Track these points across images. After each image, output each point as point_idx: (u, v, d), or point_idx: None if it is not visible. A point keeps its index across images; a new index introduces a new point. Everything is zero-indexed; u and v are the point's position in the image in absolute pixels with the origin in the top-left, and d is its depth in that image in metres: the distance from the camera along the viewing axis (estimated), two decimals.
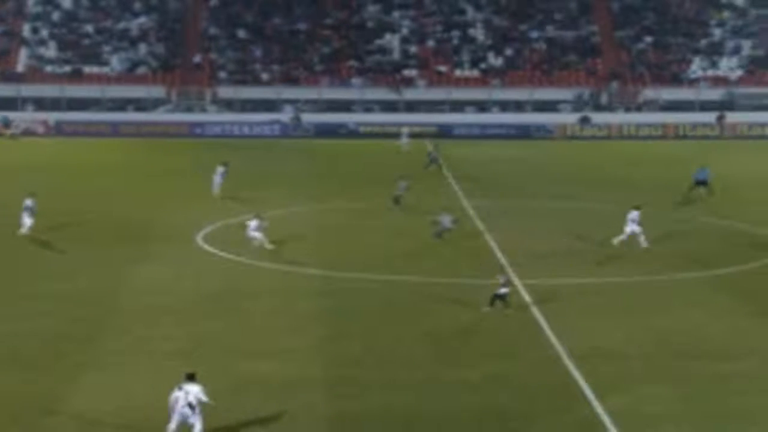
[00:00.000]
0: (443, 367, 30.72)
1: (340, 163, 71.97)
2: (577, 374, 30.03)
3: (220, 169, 56.81)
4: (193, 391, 24.79)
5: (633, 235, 45.05)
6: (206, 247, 45.45)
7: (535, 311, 36.08)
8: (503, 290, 35.74)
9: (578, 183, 63.81)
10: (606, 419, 26.80)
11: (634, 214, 45.38)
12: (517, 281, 39.85)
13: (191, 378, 25.23)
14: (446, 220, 46.48)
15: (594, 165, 72.82)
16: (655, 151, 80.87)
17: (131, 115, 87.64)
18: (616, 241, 45.08)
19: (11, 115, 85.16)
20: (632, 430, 26.08)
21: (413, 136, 79.85)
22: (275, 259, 42.87)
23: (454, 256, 44.29)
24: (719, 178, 60.89)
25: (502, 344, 32.77)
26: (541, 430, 26.17)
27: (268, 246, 44.12)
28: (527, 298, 37.74)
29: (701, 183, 56.68)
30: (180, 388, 24.88)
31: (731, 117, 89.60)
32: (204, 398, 24.76)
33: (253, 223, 44.72)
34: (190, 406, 24.57)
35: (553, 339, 33.01)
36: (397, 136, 79.48)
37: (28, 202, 46.86)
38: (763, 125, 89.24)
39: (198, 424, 24.67)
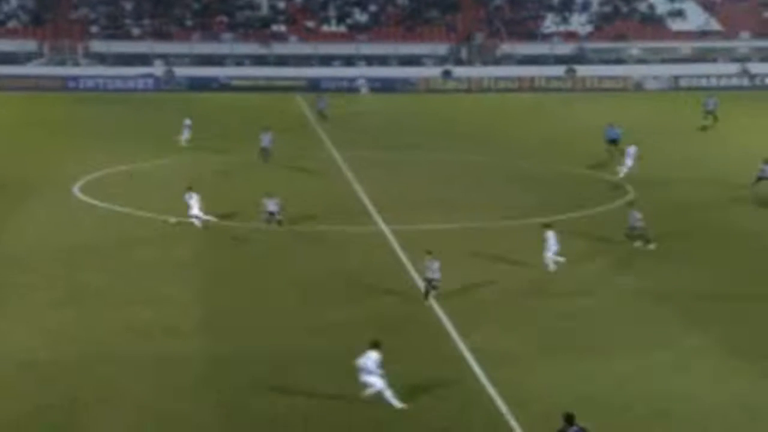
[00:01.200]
0: (311, 310, 31.06)
1: (212, 116, 71.41)
2: (439, 312, 30.70)
3: (187, 122, 57.29)
4: (372, 357, 24.27)
5: None
6: (83, 197, 44.89)
7: (400, 254, 36.60)
8: (434, 276, 31.45)
9: (439, 134, 64.52)
10: (467, 355, 27.50)
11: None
12: (383, 227, 40.37)
13: (376, 346, 24.46)
14: (271, 204, 40.67)
15: (454, 118, 73.61)
16: (512, 103, 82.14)
17: (3, 69, 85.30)
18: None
19: None
20: (490, 365, 26.81)
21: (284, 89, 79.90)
22: (150, 208, 42.55)
23: (322, 204, 44.54)
24: (570, 129, 62.15)
25: (368, 287, 33.22)
26: (406, 365, 26.69)
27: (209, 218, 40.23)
28: (393, 241, 38.27)
29: (613, 141, 55.77)
30: (364, 355, 24.39)
31: (581, 70, 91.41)
32: (377, 366, 24.23)
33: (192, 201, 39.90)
34: (369, 371, 24.20)
35: (418, 280, 33.58)
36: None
37: None
38: (611, 78, 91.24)
39: (379, 383, 24.23)
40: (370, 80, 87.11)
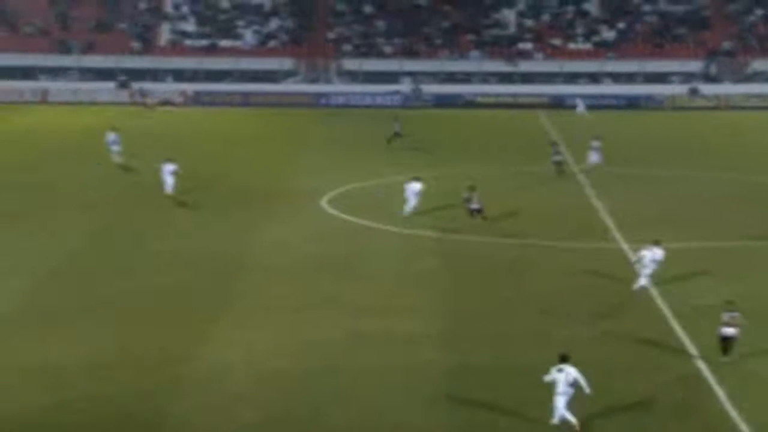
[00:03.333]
0: (552, 324, 30.61)
1: (459, 131, 71.67)
2: (680, 332, 29.66)
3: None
4: (572, 372, 24.08)
5: None
6: (331, 210, 45.83)
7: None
8: (729, 331, 27.95)
9: (685, 151, 62.57)
10: (708, 375, 26.44)
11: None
12: (623, 244, 39.43)
13: (565, 359, 24.34)
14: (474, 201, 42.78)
15: (699, 135, 71.21)
16: (764, 121, 78.80)
17: (262, 86, 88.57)
18: None
19: (150, 86, 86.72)
20: (735, 385, 25.67)
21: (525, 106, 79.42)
22: (394, 222, 43.00)
23: (563, 219, 43.90)
24: None
25: (610, 304, 32.46)
26: (644, 383, 25.92)
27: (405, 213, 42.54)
28: (632, 259, 37.30)
29: None
30: (560, 371, 24.12)
31: None
32: (582, 382, 24.11)
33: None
34: (571, 385, 23.98)
35: (658, 299, 32.59)
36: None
37: (170, 166, 47.57)
38: None
39: (565, 401, 24.05)
40: (616, 97, 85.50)
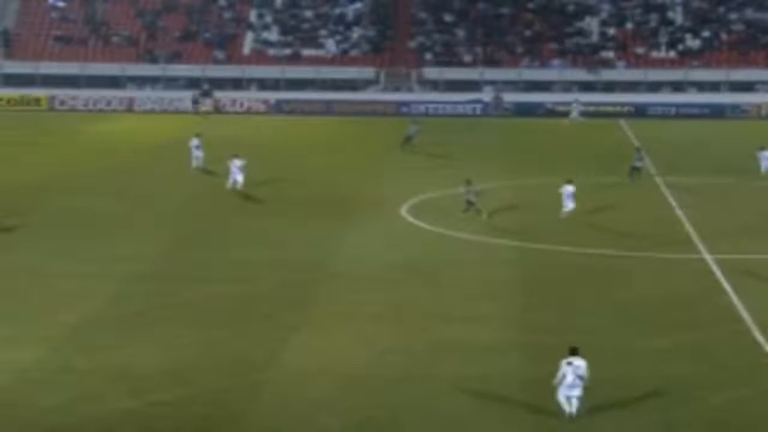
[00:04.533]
0: (635, 335, 30.25)
1: (539, 140, 71.23)
2: (766, 346, 29.11)
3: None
4: (582, 365, 24.42)
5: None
6: (410, 218, 45.83)
7: (726, 285, 35.06)
8: None
9: None
10: None
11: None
12: (707, 255, 38.84)
13: (575, 352, 24.67)
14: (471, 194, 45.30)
15: None
16: None
17: (344, 95, 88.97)
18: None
19: (233, 95, 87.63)
20: None
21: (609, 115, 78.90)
22: (475, 231, 42.88)
23: (644, 229, 43.39)
24: None
25: (693, 316, 32.00)
26: (727, 400, 25.47)
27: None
28: (718, 272, 36.73)
29: None
30: (569, 364, 24.43)
31: None
32: (587, 373, 24.39)
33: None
34: (580, 378, 24.31)
35: (744, 312, 32.04)
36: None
37: (237, 162, 50.51)
38: None
39: (579, 392, 24.31)
40: (700, 106, 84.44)
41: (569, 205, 45.08)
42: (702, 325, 31.13)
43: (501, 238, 41.87)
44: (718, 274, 36.51)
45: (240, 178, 50.37)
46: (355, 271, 37.41)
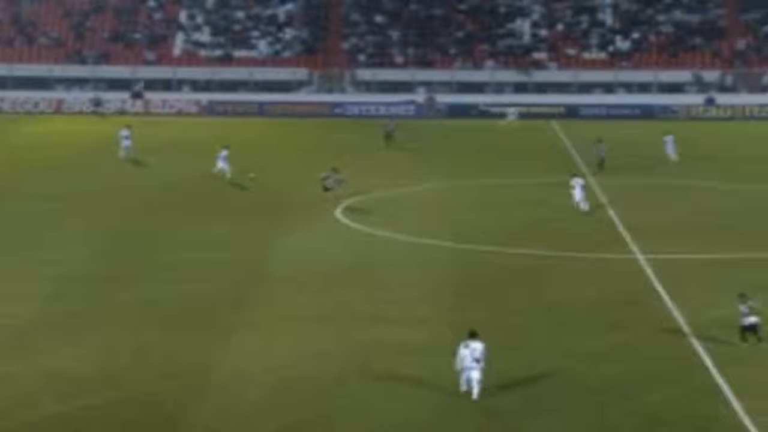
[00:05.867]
0: (566, 336, 30.64)
1: (472, 141, 71.71)
2: (696, 344, 29.65)
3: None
4: (478, 348, 25.47)
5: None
6: (345, 220, 45.96)
7: (657, 285, 35.64)
8: (752, 320, 29.49)
9: (697, 162, 62.51)
10: (725, 388, 26.42)
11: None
12: (639, 255, 39.44)
13: (474, 336, 25.78)
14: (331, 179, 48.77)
15: (714, 145, 71.05)
16: None
17: (276, 96, 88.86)
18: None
19: (162, 96, 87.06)
20: (751, 399, 25.66)
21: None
22: (409, 232, 43.12)
23: (577, 230, 43.95)
24: None
25: (624, 316, 32.48)
26: (660, 397, 25.93)
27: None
28: (649, 271, 37.33)
29: None
30: (466, 346, 25.54)
31: None
32: (484, 355, 25.48)
33: None
34: (476, 360, 25.33)
35: (675, 312, 32.59)
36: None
37: (224, 152, 53.95)
38: None
39: (478, 375, 25.36)
40: (630, 107, 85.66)
41: (579, 195, 46.89)
42: (633, 326, 31.62)
43: (434, 239, 42.16)
44: (650, 273, 37.09)
45: (225, 166, 53.53)
46: (291, 272, 37.48)
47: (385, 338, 30.35)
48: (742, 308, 29.47)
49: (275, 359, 28.69)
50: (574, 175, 48.49)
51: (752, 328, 29.26)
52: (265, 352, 29.30)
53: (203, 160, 58.75)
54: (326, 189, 48.64)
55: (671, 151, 61.29)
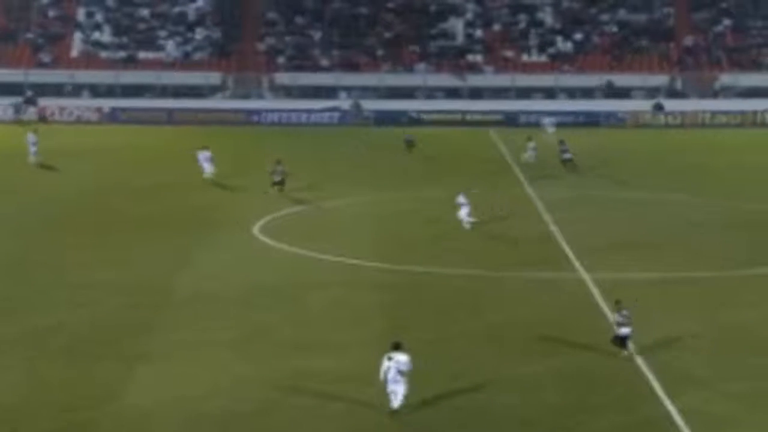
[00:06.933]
0: (506, 361, 31.02)
1: (401, 151, 72.17)
2: (644, 368, 30.19)
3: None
4: (402, 360, 26.47)
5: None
6: (263, 237, 46.04)
7: (602, 305, 36.21)
8: (624, 331, 30.96)
9: (646, 172, 63.53)
10: (676, 417, 26.96)
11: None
12: (583, 274, 40.03)
13: (398, 347, 26.81)
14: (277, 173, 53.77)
15: (663, 154, 72.17)
16: (731, 140, 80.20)
17: (187, 102, 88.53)
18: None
19: (59, 102, 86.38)
20: (701, 428, 26.22)
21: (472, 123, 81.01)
22: (331, 251, 43.30)
23: (516, 248, 44.47)
24: None
25: (567, 339, 32.95)
26: (608, 425, 26.35)
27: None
28: (594, 291, 37.91)
29: None
30: (389, 359, 26.52)
31: None
32: (408, 368, 26.52)
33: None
34: (401, 373, 26.28)
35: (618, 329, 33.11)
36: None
37: (206, 153, 58.60)
38: None
39: (402, 389, 26.38)
40: (574, 114, 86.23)
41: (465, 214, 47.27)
42: (577, 349, 32.08)
43: (363, 258, 42.37)
44: (594, 292, 37.67)
45: (209, 167, 57.94)
46: (205, 294, 37.45)
47: (309, 367, 30.42)
48: (617, 317, 30.95)
49: (185, 390, 28.65)
50: (462, 192, 48.25)
51: (623, 340, 30.67)
52: (175, 381, 29.24)
53: (107, 172, 58.49)
54: (275, 183, 53.23)
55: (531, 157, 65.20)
